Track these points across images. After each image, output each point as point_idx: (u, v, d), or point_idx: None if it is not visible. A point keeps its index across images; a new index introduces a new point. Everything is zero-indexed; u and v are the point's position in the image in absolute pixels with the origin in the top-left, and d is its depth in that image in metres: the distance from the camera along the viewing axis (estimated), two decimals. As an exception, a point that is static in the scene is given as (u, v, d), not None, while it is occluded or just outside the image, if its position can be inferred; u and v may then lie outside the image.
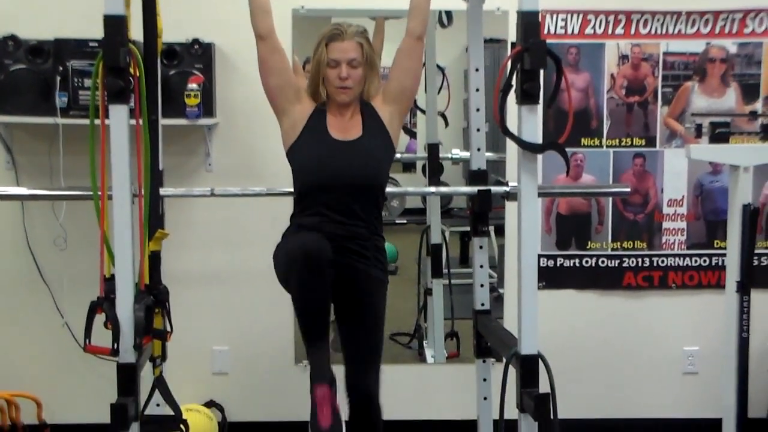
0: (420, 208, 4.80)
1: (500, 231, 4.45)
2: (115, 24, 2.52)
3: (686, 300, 4.51)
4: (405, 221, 4.86)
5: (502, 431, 2.96)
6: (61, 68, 3.91)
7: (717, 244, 4.46)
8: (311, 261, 2.82)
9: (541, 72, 2.61)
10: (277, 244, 3.12)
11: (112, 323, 2.52)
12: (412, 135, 4.93)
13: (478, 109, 3.56)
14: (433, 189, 4.35)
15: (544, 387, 2.67)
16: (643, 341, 4.53)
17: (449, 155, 4.73)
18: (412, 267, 4.82)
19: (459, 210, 4.92)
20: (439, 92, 4.69)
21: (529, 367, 2.68)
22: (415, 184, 4.94)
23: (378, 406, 3.14)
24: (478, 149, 3.56)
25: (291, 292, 2.94)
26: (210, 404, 4.37)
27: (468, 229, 3.65)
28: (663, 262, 4.49)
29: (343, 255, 3.02)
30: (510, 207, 4.18)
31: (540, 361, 2.68)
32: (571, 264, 4.47)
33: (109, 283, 2.59)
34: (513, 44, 2.70)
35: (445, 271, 4.66)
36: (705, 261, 4.49)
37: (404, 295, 4.76)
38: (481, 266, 3.57)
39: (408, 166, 5.05)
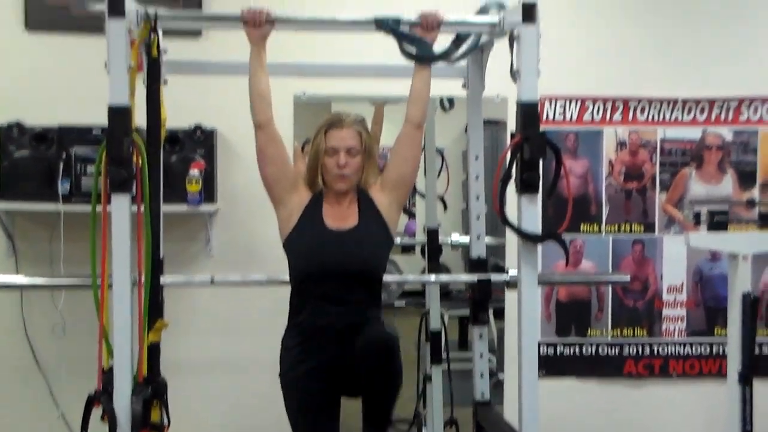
0: (419, 290, 4.79)
1: (500, 314, 4.42)
2: (119, 115, 2.57)
3: (688, 389, 4.48)
4: (404, 303, 4.84)
5: None
6: (64, 155, 3.95)
7: (718, 331, 4.45)
8: None
9: (540, 163, 2.64)
10: (280, 354, 3.10)
11: (109, 417, 2.51)
12: (411, 215, 4.95)
13: (477, 197, 3.57)
14: (432, 277, 4.33)
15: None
16: (645, 431, 4.48)
17: (449, 240, 4.73)
18: (412, 350, 4.77)
19: (458, 293, 4.92)
20: (438, 176, 4.71)
21: (530, 460, 2.65)
22: (413, 265, 4.94)
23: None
24: (478, 237, 3.56)
25: None
26: (206, 495, 4.31)
27: (467, 312, 3.63)
28: (664, 350, 4.47)
29: (342, 345, 2.99)
30: (510, 294, 4.17)
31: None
32: (572, 352, 4.45)
33: (107, 375, 2.57)
34: (512, 134, 2.72)
35: (444, 355, 4.63)
36: (706, 349, 4.47)
37: (403, 380, 4.71)
38: (481, 355, 3.55)
39: (407, 248, 5.05)
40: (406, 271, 4.96)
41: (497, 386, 4.36)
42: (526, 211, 2.69)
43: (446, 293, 4.81)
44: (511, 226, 2.68)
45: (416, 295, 4.79)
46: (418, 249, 4.88)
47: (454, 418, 4.57)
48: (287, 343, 3.08)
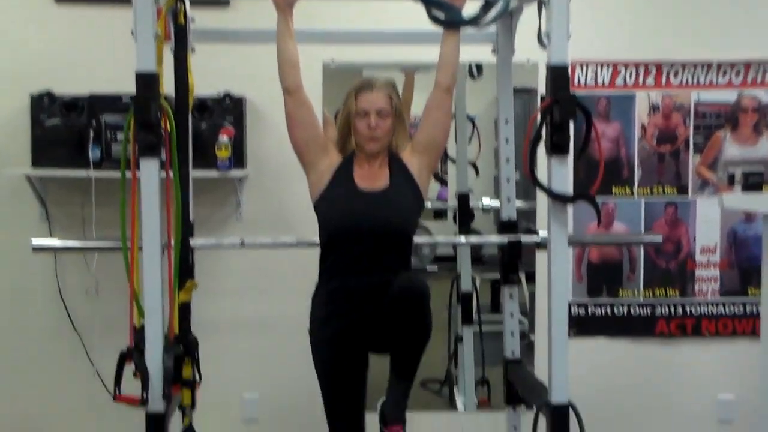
0: (451, 255, 4.80)
1: (531, 277, 4.42)
2: (146, 80, 2.58)
3: (720, 348, 4.47)
4: (436, 268, 4.86)
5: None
6: (94, 122, 4.00)
7: (751, 291, 4.42)
8: None
9: (571, 124, 2.62)
10: (310, 311, 3.13)
11: (141, 373, 2.54)
12: (443, 183, 4.94)
13: (508, 160, 3.57)
14: (462, 239, 4.35)
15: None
16: (677, 389, 4.49)
17: (480, 204, 4.73)
18: (443, 313, 4.81)
19: (490, 257, 4.92)
20: (469, 142, 4.71)
21: (559, 416, 2.67)
22: (445, 231, 4.93)
23: (429, 311, 2.99)
24: (508, 199, 3.56)
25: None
26: (239, 452, 4.37)
27: (499, 276, 3.64)
28: (696, 309, 4.45)
29: (368, 305, 3.01)
30: (541, 256, 4.17)
31: (571, 410, 2.66)
32: (603, 312, 4.44)
33: (138, 333, 2.61)
34: (542, 97, 2.70)
35: (475, 318, 4.65)
36: (739, 309, 4.44)
37: (435, 342, 4.68)
38: (512, 314, 3.56)
39: (439, 213, 5.05)
40: (437, 236, 4.97)
41: (528, 348, 4.37)
42: (556, 173, 2.67)
43: (478, 258, 4.82)
44: (542, 187, 2.67)
45: (448, 261, 4.80)
46: (450, 215, 4.88)
47: (485, 378, 4.62)
48: (317, 302, 3.11)
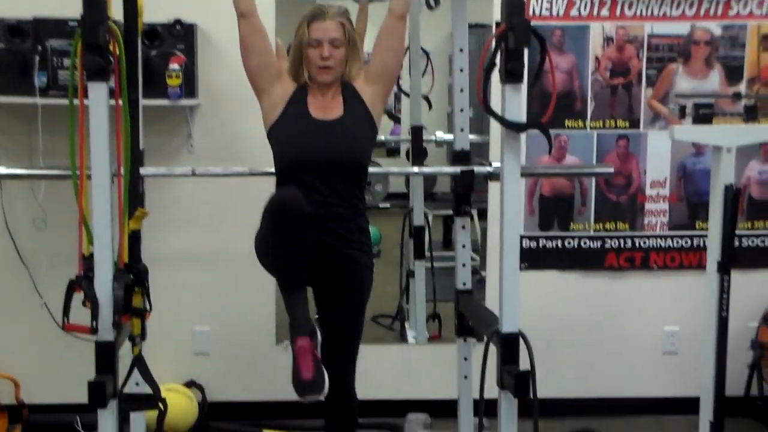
0: (403, 192, 4.81)
1: (483, 215, 4.45)
2: (94, 1, 2.50)
3: (667, 281, 4.53)
4: (389, 205, 4.88)
5: (483, 409, 2.96)
6: (40, 48, 3.88)
7: (699, 225, 4.48)
8: (285, 211, 2.76)
9: (525, 53, 2.60)
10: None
11: (91, 301, 2.50)
12: (397, 120, 4.94)
13: (462, 90, 3.54)
14: (416, 169, 4.36)
15: (524, 365, 2.67)
16: (624, 321, 4.56)
17: (433, 137, 4.73)
18: (395, 250, 4.83)
19: (443, 194, 4.94)
20: (423, 75, 4.69)
21: (509, 344, 2.67)
22: (399, 168, 4.95)
23: (353, 394, 3.16)
24: (462, 130, 3.55)
25: (268, 245, 2.86)
26: (190, 384, 4.37)
27: (451, 212, 3.64)
28: (645, 243, 4.50)
29: (324, 235, 3.00)
30: (493, 188, 4.18)
31: (521, 338, 2.68)
32: (554, 245, 4.47)
33: (87, 261, 2.57)
34: (498, 24, 2.68)
35: (427, 253, 4.66)
36: (687, 242, 4.50)
37: (387, 278, 4.78)
38: (464, 246, 3.57)
39: (392, 151, 5.06)
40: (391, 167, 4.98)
41: (480, 283, 4.40)
42: (510, 101, 2.65)
43: (431, 195, 4.84)
44: (495, 115, 2.65)
45: (401, 198, 4.82)
46: (403, 153, 4.88)
47: (436, 313, 4.65)
48: None
